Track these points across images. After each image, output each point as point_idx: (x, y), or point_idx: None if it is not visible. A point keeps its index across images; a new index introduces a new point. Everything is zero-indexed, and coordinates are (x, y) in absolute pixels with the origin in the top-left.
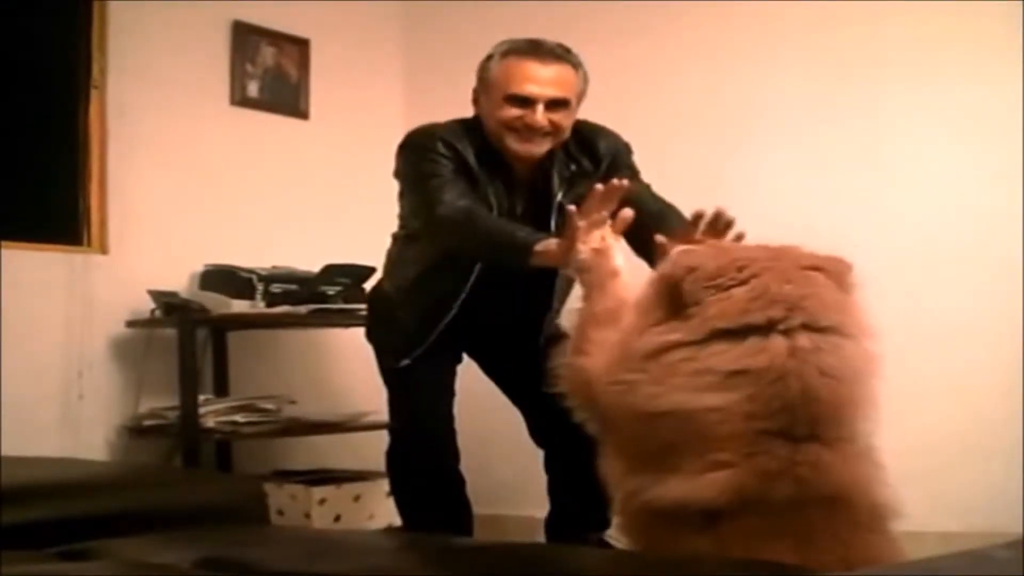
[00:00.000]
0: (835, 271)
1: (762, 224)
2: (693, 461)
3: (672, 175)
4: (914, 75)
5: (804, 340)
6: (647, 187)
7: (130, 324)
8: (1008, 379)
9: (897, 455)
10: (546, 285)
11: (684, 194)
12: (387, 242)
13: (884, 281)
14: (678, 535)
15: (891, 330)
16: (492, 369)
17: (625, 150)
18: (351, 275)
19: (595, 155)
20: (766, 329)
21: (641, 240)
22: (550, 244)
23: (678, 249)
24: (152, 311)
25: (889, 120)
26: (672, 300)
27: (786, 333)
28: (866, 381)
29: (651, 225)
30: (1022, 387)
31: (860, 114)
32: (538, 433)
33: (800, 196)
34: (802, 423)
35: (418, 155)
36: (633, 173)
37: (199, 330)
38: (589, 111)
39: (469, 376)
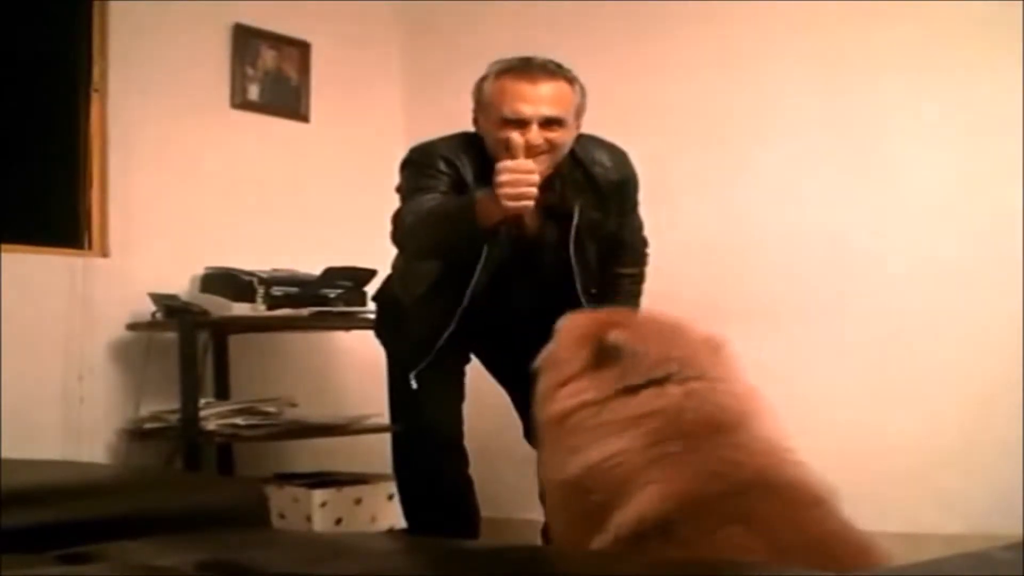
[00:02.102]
0: (714, 345)
1: (762, 226)
2: (625, 496)
3: (672, 178)
4: (913, 76)
5: (697, 385)
6: (638, 226)
7: (131, 327)
8: (1009, 380)
9: (899, 457)
10: (559, 286)
11: (685, 197)
12: (388, 243)
13: (885, 283)
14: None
15: (891, 332)
16: (496, 370)
17: (633, 182)
18: (352, 278)
19: (606, 168)
20: (663, 380)
21: (604, 271)
22: (486, 195)
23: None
24: (153, 314)
25: (889, 122)
26: (600, 357)
27: (681, 382)
28: (755, 406)
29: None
30: (1023, 388)
31: (860, 116)
32: (532, 436)
33: (799, 198)
34: (705, 441)
35: (417, 171)
36: (631, 207)
37: (200, 333)
38: (590, 114)
39: (476, 378)
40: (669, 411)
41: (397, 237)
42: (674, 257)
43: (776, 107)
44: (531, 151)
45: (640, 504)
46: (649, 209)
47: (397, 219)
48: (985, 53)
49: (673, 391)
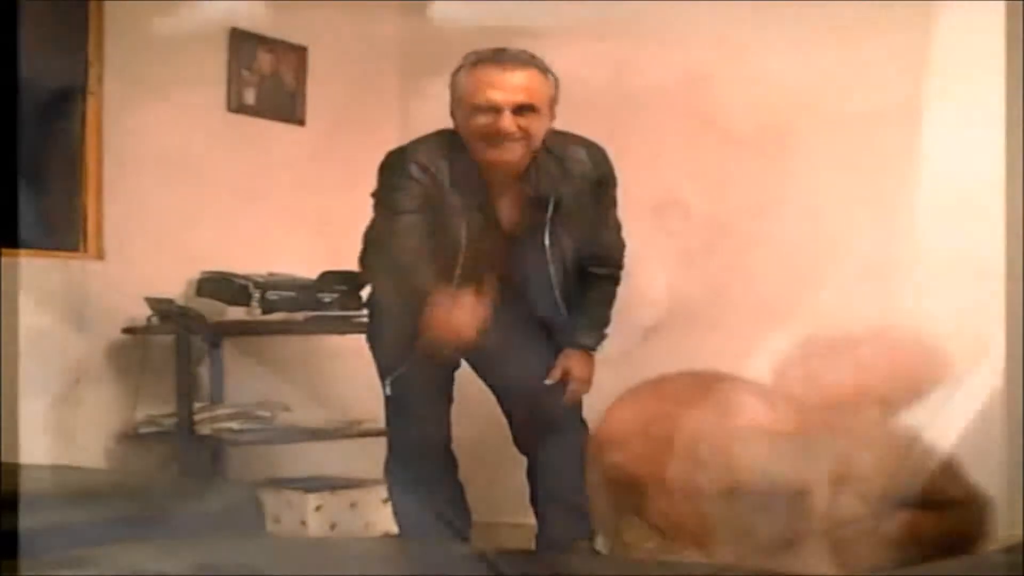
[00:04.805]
0: None
1: (760, 227)
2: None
3: (671, 178)
4: (912, 76)
5: None
6: (615, 226)
7: (126, 331)
8: (1007, 382)
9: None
10: (537, 284)
11: (681, 197)
12: None
13: (884, 284)
14: None
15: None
16: (486, 374)
17: (611, 179)
18: (348, 282)
19: (582, 162)
20: None
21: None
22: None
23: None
24: (149, 318)
25: (888, 123)
26: None
27: None
28: None
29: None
30: (1021, 389)
31: (859, 116)
32: (521, 441)
33: (796, 200)
34: None
35: (390, 181)
36: (609, 204)
37: (195, 337)
38: (592, 112)
39: (465, 383)
40: None
41: (364, 263)
42: (671, 259)
43: (773, 107)
44: (505, 138)
45: None
46: (646, 212)
47: (367, 237)
48: (986, 54)
49: None
